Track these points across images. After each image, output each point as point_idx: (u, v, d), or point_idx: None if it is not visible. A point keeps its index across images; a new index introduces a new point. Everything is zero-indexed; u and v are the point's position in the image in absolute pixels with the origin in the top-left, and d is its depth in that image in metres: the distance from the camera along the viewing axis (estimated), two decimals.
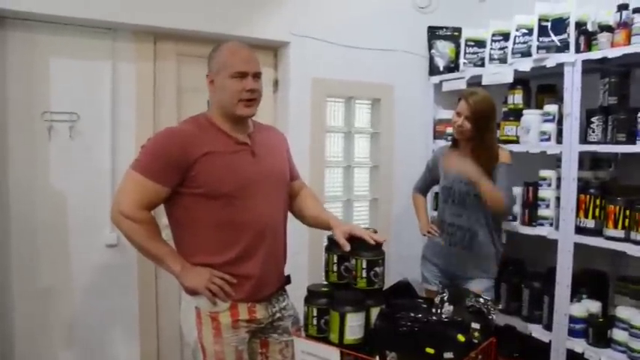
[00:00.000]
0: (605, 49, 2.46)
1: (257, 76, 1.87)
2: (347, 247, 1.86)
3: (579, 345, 2.54)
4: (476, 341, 1.72)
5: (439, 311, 1.82)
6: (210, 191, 1.80)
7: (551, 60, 2.65)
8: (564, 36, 2.61)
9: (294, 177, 2.16)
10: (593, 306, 2.58)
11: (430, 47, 3.51)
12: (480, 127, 2.56)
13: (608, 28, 2.47)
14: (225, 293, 1.81)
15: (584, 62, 2.54)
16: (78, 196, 2.64)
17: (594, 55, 2.50)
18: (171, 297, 2.78)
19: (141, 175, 1.77)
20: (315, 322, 1.87)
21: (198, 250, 1.85)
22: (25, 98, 2.51)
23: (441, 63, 3.48)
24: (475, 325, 1.76)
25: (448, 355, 1.62)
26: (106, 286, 2.72)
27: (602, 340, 2.48)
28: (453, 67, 3.43)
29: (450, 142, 2.90)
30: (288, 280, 2.06)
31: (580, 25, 2.63)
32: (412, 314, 1.73)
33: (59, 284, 2.62)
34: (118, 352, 2.77)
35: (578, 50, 2.59)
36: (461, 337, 1.66)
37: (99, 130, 2.67)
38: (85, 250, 2.66)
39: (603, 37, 2.47)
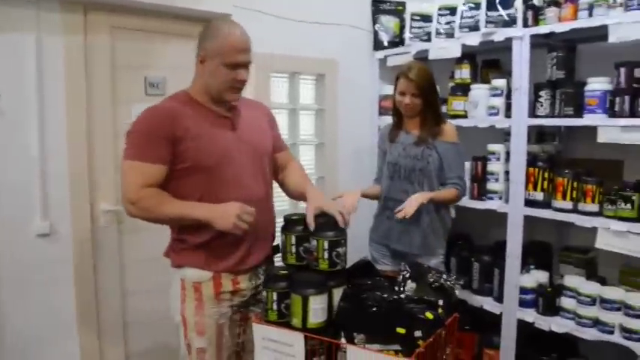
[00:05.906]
0: (553, 24, 2.48)
1: (249, 65, 1.90)
2: (311, 227, 1.82)
3: (530, 315, 2.61)
4: (441, 318, 1.70)
5: (402, 289, 1.78)
6: (194, 165, 1.82)
7: (500, 34, 2.66)
8: (512, 10, 2.62)
9: (280, 148, 2.18)
10: (542, 276, 2.65)
11: (374, 22, 3.45)
12: (428, 97, 2.56)
13: (555, 3, 2.49)
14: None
15: (532, 37, 2.55)
16: (3, 180, 2.39)
17: (542, 29, 2.52)
18: (113, 291, 2.63)
19: (133, 161, 1.79)
20: (275, 306, 1.78)
21: (185, 225, 1.86)
22: None
23: (385, 38, 3.43)
24: (440, 302, 1.74)
25: (417, 333, 1.59)
26: (38, 281, 2.49)
27: (551, 309, 2.55)
28: (397, 41, 3.39)
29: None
30: (275, 250, 2.05)
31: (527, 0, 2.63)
32: (379, 294, 1.68)
33: None
34: (54, 352, 2.55)
35: (525, 25, 2.60)
36: (429, 315, 1.63)
37: (24, 109, 2.42)
38: (12, 241, 2.42)
39: (551, 12, 2.50)
